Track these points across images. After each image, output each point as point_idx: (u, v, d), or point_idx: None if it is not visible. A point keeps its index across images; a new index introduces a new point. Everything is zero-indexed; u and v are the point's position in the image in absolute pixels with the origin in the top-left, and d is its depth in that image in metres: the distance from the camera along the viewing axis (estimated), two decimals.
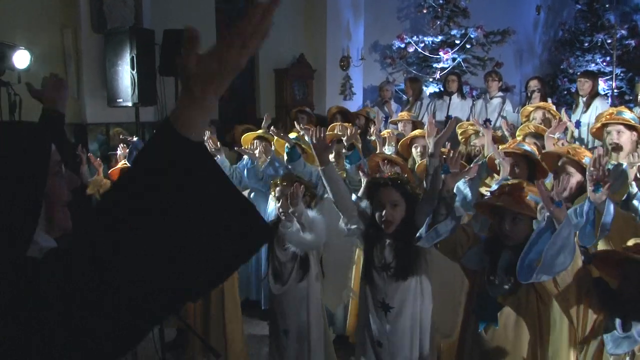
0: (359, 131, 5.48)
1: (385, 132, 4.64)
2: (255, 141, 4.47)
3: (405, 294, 2.54)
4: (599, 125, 3.37)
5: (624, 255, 1.99)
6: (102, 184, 3.98)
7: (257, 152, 4.30)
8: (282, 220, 2.95)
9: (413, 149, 4.12)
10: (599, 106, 5.52)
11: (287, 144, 3.94)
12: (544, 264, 1.91)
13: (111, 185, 0.93)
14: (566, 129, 4.55)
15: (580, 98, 5.82)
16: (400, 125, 5.34)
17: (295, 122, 6.07)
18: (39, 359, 0.79)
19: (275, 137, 4.21)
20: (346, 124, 4.76)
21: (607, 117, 3.29)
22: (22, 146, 1.00)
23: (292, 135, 4.25)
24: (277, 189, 2.97)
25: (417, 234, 2.36)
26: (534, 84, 5.84)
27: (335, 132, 4.39)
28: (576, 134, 5.64)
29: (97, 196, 4.10)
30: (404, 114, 5.55)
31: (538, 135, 3.66)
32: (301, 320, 2.95)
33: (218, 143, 4.22)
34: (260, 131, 4.59)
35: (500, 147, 3.51)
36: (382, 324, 2.58)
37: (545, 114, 4.53)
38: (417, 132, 4.25)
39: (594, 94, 5.77)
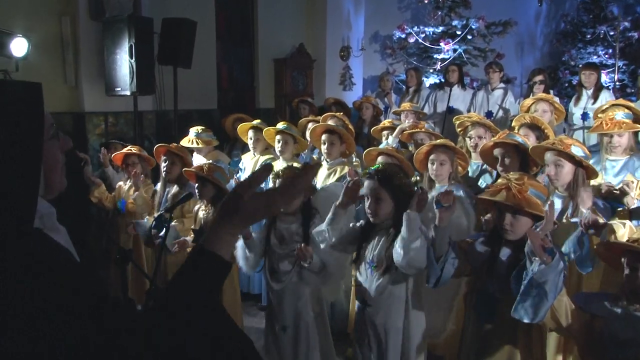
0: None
1: (386, 122, 4.61)
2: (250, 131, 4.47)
3: (388, 298, 2.47)
4: (597, 124, 3.48)
5: (627, 246, 2.01)
6: (105, 196, 4.20)
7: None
8: (281, 215, 2.93)
9: (413, 141, 4.11)
10: (607, 97, 5.53)
11: None
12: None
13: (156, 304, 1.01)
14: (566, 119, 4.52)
15: (584, 90, 5.79)
16: (402, 116, 5.32)
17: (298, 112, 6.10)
18: None
19: (266, 128, 4.33)
20: (338, 114, 4.73)
21: (607, 122, 3.35)
22: (16, 111, 0.92)
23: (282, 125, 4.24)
24: (278, 180, 2.91)
25: (427, 281, 2.33)
26: (538, 77, 5.78)
27: (328, 122, 4.36)
28: (579, 124, 5.61)
29: (97, 203, 4.27)
30: (406, 105, 5.51)
31: (534, 126, 3.64)
32: (300, 317, 2.90)
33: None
34: (255, 121, 4.55)
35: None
36: (364, 319, 2.55)
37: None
38: (421, 125, 4.25)
39: (599, 86, 5.77)
